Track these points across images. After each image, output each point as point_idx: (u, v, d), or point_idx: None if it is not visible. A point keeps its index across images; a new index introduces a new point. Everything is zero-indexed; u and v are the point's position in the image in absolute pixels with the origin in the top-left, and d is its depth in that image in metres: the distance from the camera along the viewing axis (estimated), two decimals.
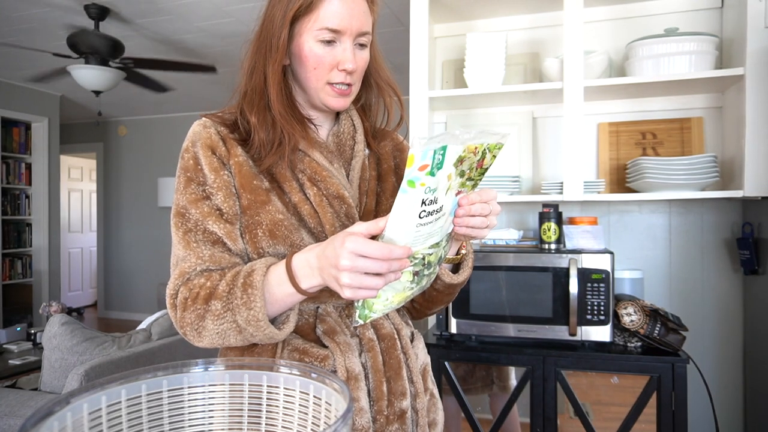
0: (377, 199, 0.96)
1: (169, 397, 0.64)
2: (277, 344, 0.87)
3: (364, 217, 0.92)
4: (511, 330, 1.83)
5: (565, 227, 1.94)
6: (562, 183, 1.97)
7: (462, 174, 0.72)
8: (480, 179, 0.78)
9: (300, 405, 0.64)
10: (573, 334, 1.76)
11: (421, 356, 0.99)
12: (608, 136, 2.18)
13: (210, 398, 0.66)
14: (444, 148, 0.64)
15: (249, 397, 0.66)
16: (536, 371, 1.76)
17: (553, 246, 1.92)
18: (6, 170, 5.20)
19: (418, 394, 0.92)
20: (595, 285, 1.74)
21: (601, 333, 1.74)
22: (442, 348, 1.84)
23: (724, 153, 2.04)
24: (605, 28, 2.18)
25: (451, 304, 1.89)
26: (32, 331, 3.41)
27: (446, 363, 1.85)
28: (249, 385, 0.66)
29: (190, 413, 0.66)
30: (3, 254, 5.15)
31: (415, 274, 0.77)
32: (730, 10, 1.97)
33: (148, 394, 0.63)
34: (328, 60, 0.86)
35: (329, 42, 0.85)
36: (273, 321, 0.82)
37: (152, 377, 0.63)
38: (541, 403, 1.76)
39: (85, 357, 2.17)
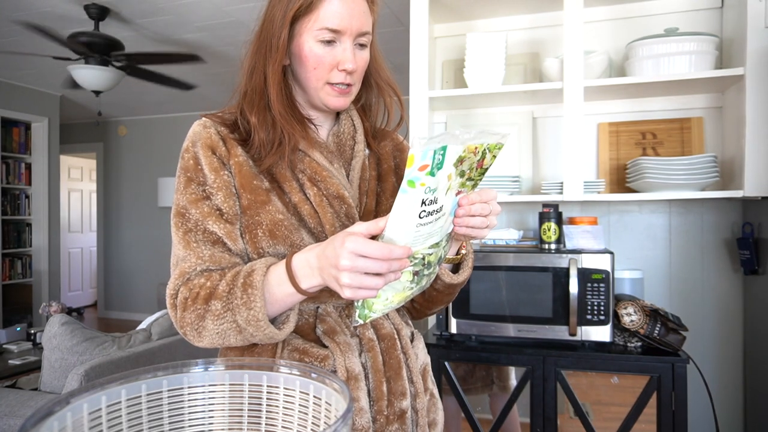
0: (377, 199, 0.96)
1: (169, 397, 0.64)
2: (277, 344, 0.87)
3: (364, 217, 0.92)
4: (511, 330, 1.83)
5: (565, 227, 1.94)
6: (562, 183, 1.97)
7: (462, 174, 0.72)
8: (480, 179, 0.78)
9: (300, 405, 0.64)
10: (573, 334, 1.76)
11: (421, 356, 0.99)
12: (608, 136, 2.18)
13: (210, 398, 0.66)
14: (444, 148, 0.64)
15: (249, 397, 0.66)
16: (536, 371, 1.76)
17: (553, 246, 1.92)
18: (6, 170, 5.20)
19: (418, 394, 0.92)
20: (595, 285, 1.74)
21: (601, 333, 1.74)
22: (442, 348, 1.84)
23: (724, 153, 2.04)
24: (605, 28, 2.18)
25: (451, 304, 1.89)
26: (32, 331, 3.41)
27: (446, 363, 1.85)
28: (249, 385, 0.66)
29: (190, 413, 0.66)
30: (3, 254, 5.15)
31: (415, 274, 0.77)
32: (730, 10, 1.97)
33: (148, 394, 0.63)
34: (328, 60, 0.86)
35: (329, 42, 0.85)
36: (273, 321, 0.82)
37: (152, 377, 0.63)
38: (541, 403, 1.76)
39: (85, 357, 2.17)
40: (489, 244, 2.01)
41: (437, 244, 0.76)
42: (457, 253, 0.93)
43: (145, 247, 6.57)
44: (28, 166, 5.42)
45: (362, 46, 0.89)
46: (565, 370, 1.75)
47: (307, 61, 0.86)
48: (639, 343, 1.78)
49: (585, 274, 1.75)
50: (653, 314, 1.74)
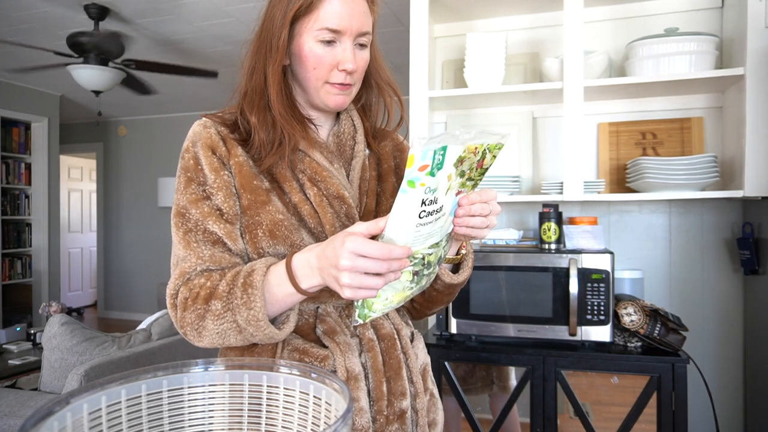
0: (377, 199, 0.96)
1: (169, 397, 0.64)
2: (277, 344, 0.87)
3: (364, 217, 0.92)
4: (511, 330, 1.83)
5: (565, 227, 1.94)
6: (562, 183, 1.97)
7: (462, 174, 0.72)
8: (480, 179, 0.78)
9: (300, 405, 0.64)
10: (573, 334, 1.76)
11: (421, 356, 0.99)
12: (608, 136, 2.18)
13: (210, 398, 0.66)
14: (444, 149, 0.64)
15: (249, 397, 0.66)
16: (536, 371, 1.76)
17: (553, 246, 1.92)
18: (6, 170, 5.20)
19: (417, 394, 0.92)
20: (595, 285, 1.74)
21: (601, 333, 1.74)
22: (442, 348, 1.84)
23: (724, 153, 2.04)
24: (605, 28, 2.18)
25: (451, 304, 1.89)
26: (32, 331, 3.41)
27: (446, 363, 1.85)
28: (249, 385, 0.66)
29: (190, 413, 0.66)
30: (3, 254, 5.15)
31: (415, 273, 0.77)
32: (730, 10, 1.97)
33: (148, 394, 0.63)
34: (328, 60, 0.86)
35: (329, 42, 0.85)
36: (273, 321, 0.82)
37: (152, 377, 0.63)
38: (541, 403, 1.76)
39: (85, 357, 2.17)
40: (489, 244, 2.01)
41: (437, 244, 0.76)
42: (457, 253, 0.93)
43: (145, 247, 6.57)
44: (28, 166, 5.42)
45: (362, 46, 0.89)
46: (565, 370, 1.75)
47: (307, 61, 0.86)
48: (639, 343, 1.78)
49: (585, 274, 1.75)
50: (653, 314, 1.74)
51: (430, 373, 1.01)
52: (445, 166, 0.66)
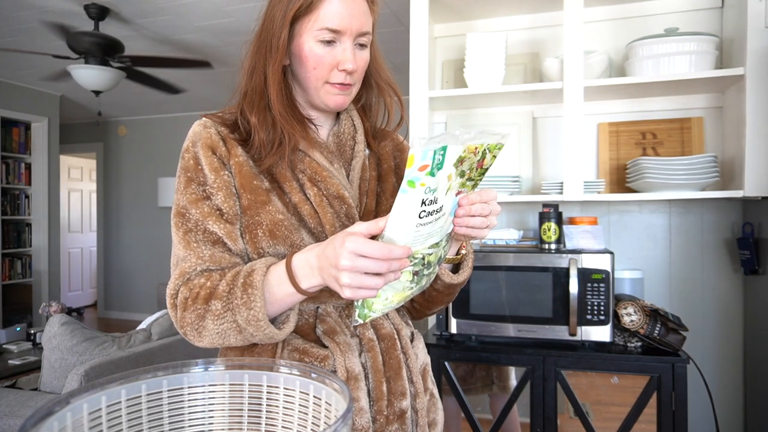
0: (377, 200, 0.96)
1: (169, 397, 0.64)
2: (277, 344, 0.87)
3: (364, 217, 0.92)
4: (511, 330, 1.83)
5: (565, 227, 1.94)
6: (562, 183, 1.97)
7: (462, 174, 0.72)
8: (480, 179, 0.78)
9: (300, 405, 0.64)
10: (573, 334, 1.76)
11: (421, 356, 0.99)
12: (608, 136, 2.18)
13: (210, 398, 0.66)
14: (444, 149, 0.64)
15: (249, 397, 0.66)
16: (536, 371, 1.76)
17: (553, 246, 1.92)
18: (6, 170, 5.20)
19: (417, 394, 0.92)
20: (595, 285, 1.74)
21: (601, 333, 1.74)
22: (442, 348, 1.84)
23: (724, 153, 2.04)
24: (605, 28, 2.18)
25: (451, 304, 1.89)
26: (32, 331, 3.41)
27: (446, 363, 1.85)
28: (249, 385, 0.66)
29: (190, 413, 0.66)
30: (3, 254, 5.15)
31: (415, 273, 0.77)
32: (730, 10, 1.97)
33: (148, 394, 0.63)
34: (328, 60, 0.86)
35: (329, 42, 0.85)
36: (273, 321, 0.82)
37: (152, 377, 0.63)
38: (541, 403, 1.76)
39: (85, 357, 2.17)
40: (489, 244, 2.01)
41: (437, 244, 0.76)
42: (457, 253, 0.93)
43: (145, 247, 6.57)
44: (28, 166, 5.42)
45: (362, 46, 0.89)
46: (565, 370, 1.75)
47: (307, 61, 0.86)
48: (639, 343, 1.78)
49: (585, 274, 1.75)
50: (653, 314, 1.74)
51: (430, 373, 1.01)
52: (445, 166, 0.66)
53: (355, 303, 0.78)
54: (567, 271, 1.76)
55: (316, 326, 0.89)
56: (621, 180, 2.13)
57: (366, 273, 0.68)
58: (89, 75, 3.48)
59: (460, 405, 1.87)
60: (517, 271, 1.83)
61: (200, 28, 3.70)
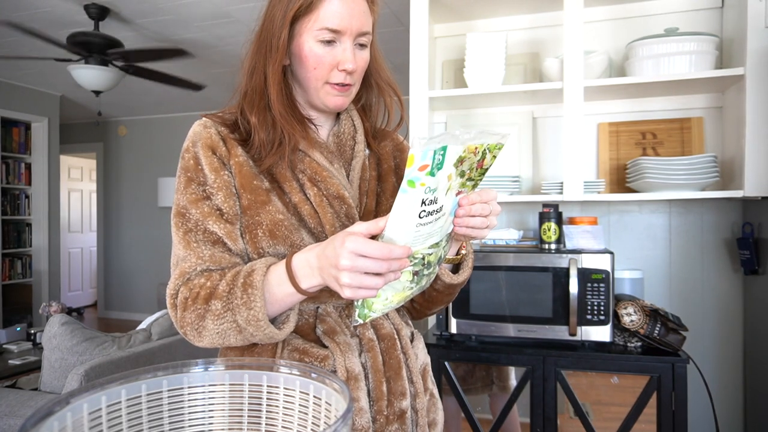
0: (377, 200, 0.96)
1: (169, 397, 0.64)
2: (277, 344, 0.87)
3: (364, 217, 0.92)
4: (511, 330, 1.83)
5: (565, 227, 1.94)
6: (562, 183, 1.97)
7: (462, 174, 0.72)
8: (480, 179, 0.78)
9: (300, 405, 0.64)
10: (573, 334, 1.76)
11: (420, 356, 0.99)
12: (608, 136, 2.18)
13: (210, 398, 0.66)
14: (444, 149, 0.64)
15: (249, 397, 0.66)
16: (536, 371, 1.76)
17: (553, 246, 1.92)
18: (6, 170, 5.20)
19: (417, 394, 0.92)
20: (595, 285, 1.74)
21: (601, 333, 1.74)
22: (442, 348, 1.84)
23: (724, 153, 2.04)
24: (605, 28, 2.18)
25: (451, 304, 1.89)
26: (32, 331, 3.41)
27: (446, 363, 1.85)
28: (249, 385, 0.66)
29: (190, 413, 0.66)
30: (3, 254, 5.15)
31: (415, 273, 0.77)
32: (730, 10, 1.97)
33: (148, 394, 0.63)
34: (328, 60, 0.86)
35: (329, 42, 0.85)
36: (273, 321, 0.82)
37: (152, 377, 0.63)
38: (541, 403, 1.76)
39: (85, 357, 2.17)
40: (489, 244, 2.01)
41: (437, 244, 0.76)
42: (457, 254, 0.93)
43: (145, 247, 6.57)
44: (28, 166, 5.42)
45: (362, 46, 0.89)
46: (565, 370, 1.75)
47: (307, 61, 0.86)
48: (639, 343, 1.78)
49: (585, 274, 1.75)
50: (653, 314, 1.74)
51: (430, 373, 1.01)
52: (445, 166, 0.66)
53: (355, 303, 0.78)
54: (567, 271, 1.76)
55: (316, 326, 0.89)
56: (621, 180, 2.13)
57: (366, 273, 0.68)
58: (89, 75, 3.48)
59: (460, 405, 1.87)
60: (517, 271, 1.83)
61: (200, 28, 3.70)
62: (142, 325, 2.66)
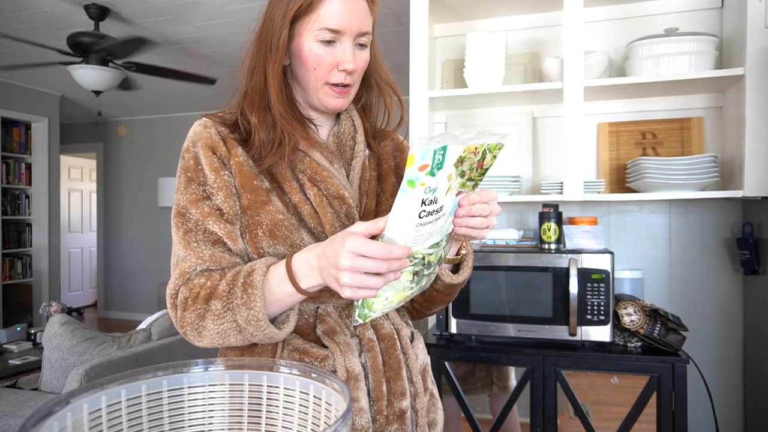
0: (377, 200, 0.96)
1: (169, 397, 0.64)
2: (277, 344, 0.87)
3: (364, 217, 0.92)
4: (511, 330, 1.83)
5: (565, 227, 1.94)
6: (562, 183, 1.97)
7: (462, 174, 0.72)
8: (480, 179, 0.78)
9: (300, 405, 0.65)
10: (573, 334, 1.76)
11: (420, 356, 0.99)
12: (608, 136, 2.18)
13: (210, 398, 0.66)
14: (444, 149, 0.64)
15: (249, 397, 0.66)
16: (536, 371, 1.76)
17: (553, 246, 1.92)
18: (6, 170, 5.20)
19: (417, 394, 0.92)
20: (595, 285, 1.74)
21: (601, 333, 1.74)
22: (442, 348, 1.84)
23: (724, 153, 2.04)
24: (605, 28, 2.18)
25: (451, 304, 1.89)
26: (32, 331, 3.41)
27: (446, 363, 1.85)
28: (249, 385, 0.66)
29: (190, 413, 0.66)
30: (3, 254, 5.15)
31: (415, 273, 0.77)
32: (730, 10, 1.97)
33: (148, 394, 0.63)
34: (328, 60, 0.86)
35: (329, 42, 0.85)
36: (273, 321, 0.82)
37: (152, 377, 0.63)
38: (541, 403, 1.76)
39: (85, 357, 2.17)
40: (489, 244, 2.01)
41: (437, 244, 0.76)
42: (457, 254, 0.93)
43: (145, 247, 6.58)
44: (28, 166, 5.42)
45: (362, 46, 0.89)
46: (565, 370, 1.75)
47: (307, 61, 0.86)
48: (639, 343, 1.78)
49: (585, 274, 1.75)
50: (653, 314, 1.74)
51: (430, 373, 1.01)
52: (445, 166, 0.66)
53: (355, 303, 0.78)
54: (567, 271, 1.76)
55: (316, 326, 0.89)
56: (621, 180, 2.13)
57: (366, 273, 0.68)
58: (89, 75, 3.48)
59: (460, 405, 1.87)
60: (517, 271, 1.83)
61: (200, 28, 3.70)
62: (142, 325, 2.66)
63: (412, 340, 0.98)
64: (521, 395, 1.81)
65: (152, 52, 4.07)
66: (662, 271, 2.14)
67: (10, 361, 3.01)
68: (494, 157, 0.76)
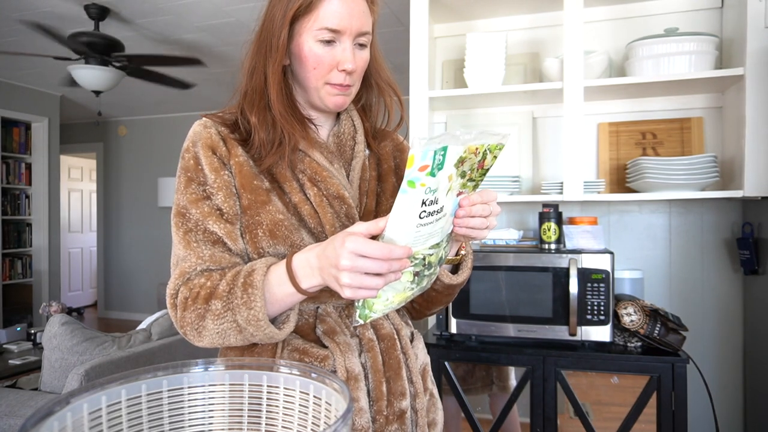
0: (377, 200, 0.96)
1: (169, 397, 0.64)
2: (277, 344, 0.87)
3: (364, 217, 0.92)
4: (511, 330, 1.83)
5: (565, 227, 1.94)
6: (562, 183, 1.97)
7: (463, 175, 0.72)
8: (481, 180, 0.78)
9: (300, 405, 0.65)
10: (573, 334, 1.76)
11: (420, 356, 0.99)
12: (608, 136, 2.18)
13: (210, 398, 0.66)
14: (444, 149, 0.64)
15: (249, 397, 0.66)
16: (536, 371, 1.76)
17: (553, 246, 1.92)
18: (6, 170, 5.20)
19: (417, 394, 0.92)
20: (595, 285, 1.74)
21: (601, 333, 1.74)
22: (442, 348, 1.84)
23: (724, 153, 2.04)
24: (605, 28, 2.18)
25: (451, 304, 1.89)
26: (32, 331, 3.41)
27: (446, 363, 1.85)
28: (249, 385, 0.66)
29: (190, 413, 0.66)
30: (3, 254, 5.15)
31: (416, 274, 0.77)
32: (730, 10, 1.97)
33: (148, 394, 0.63)
34: (327, 60, 0.86)
35: (329, 42, 0.85)
36: (273, 321, 0.82)
37: (152, 377, 0.63)
38: (541, 403, 1.76)
39: (85, 357, 2.17)
40: (489, 244, 2.01)
41: (438, 244, 0.76)
42: (457, 254, 0.93)
43: (145, 247, 6.58)
44: (28, 166, 5.42)
45: (362, 46, 0.89)
46: (565, 370, 1.75)
47: (307, 61, 0.86)
48: (639, 343, 1.78)
49: (585, 274, 1.75)
50: (653, 314, 1.74)
51: (430, 373, 1.01)
52: (446, 167, 0.66)
53: (356, 304, 0.78)
54: (567, 271, 1.76)
55: (316, 326, 0.89)
56: (621, 180, 2.13)
57: (366, 273, 0.68)
58: (89, 75, 3.48)
59: (460, 405, 1.87)
60: (517, 271, 1.83)
61: (200, 28, 3.70)
62: (142, 325, 2.66)
63: (412, 340, 0.98)
64: (521, 395, 1.81)
65: (152, 51, 4.08)
66: (662, 271, 2.14)
67: (10, 361, 3.01)
68: (495, 157, 0.76)
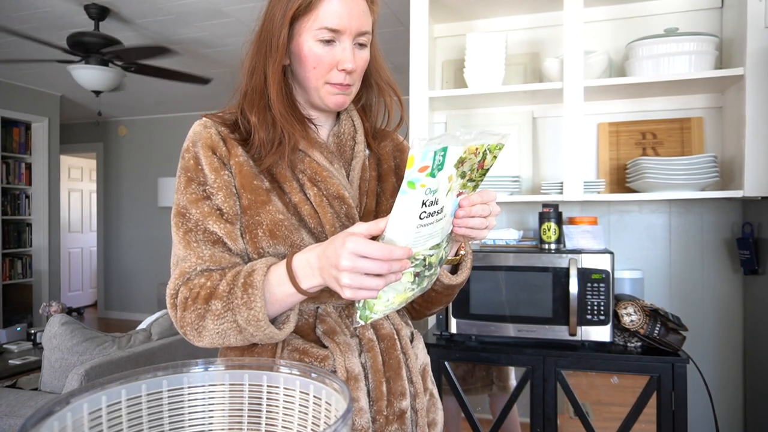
0: (377, 200, 0.96)
1: (169, 397, 0.64)
2: (277, 344, 0.87)
3: (364, 217, 0.92)
4: (511, 330, 1.83)
5: (565, 227, 1.94)
6: (562, 183, 1.97)
7: (463, 175, 0.72)
8: (481, 180, 0.78)
9: (300, 405, 0.65)
10: (573, 334, 1.76)
11: (420, 356, 0.99)
12: (608, 136, 2.18)
13: (210, 398, 0.66)
14: (444, 150, 0.63)
15: (249, 397, 0.66)
16: (536, 371, 1.76)
17: (553, 246, 1.92)
18: (6, 170, 5.20)
19: (417, 394, 0.92)
20: (595, 285, 1.74)
21: (601, 333, 1.74)
22: (442, 348, 1.84)
23: (724, 153, 2.04)
24: (605, 28, 2.18)
25: (451, 304, 1.89)
26: (32, 331, 3.41)
27: (446, 363, 1.85)
28: (249, 385, 0.66)
29: (190, 413, 0.66)
30: (3, 254, 5.15)
31: (416, 275, 0.77)
32: (730, 10, 1.97)
33: (148, 394, 0.63)
34: (327, 60, 0.86)
35: (329, 42, 0.85)
36: (273, 321, 0.82)
37: (152, 377, 0.63)
38: (541, 403, 1.76)
39: (85, 357, 2.17)
40: (489, 244, 2.01)
41: (438, 245, 0.76)
42: (456, 254, 0.93)
43: (145, 247, 6.58)
44: (29, 166, 5.42)
45: (362, 45, 0.89)
46: (565, 370, 1.75)
47: (307, 60, 0.86)
48: (639, 343, 1.78)
49: (585, 274, 1.75)
50: (653, 314, 1.74)
51: (430, 373, 1.01)
52: (446, 167, 0.66)
53: (356, 305, 0.78)
54: (567, 271, 1.76)
55: (316, 326, 0.89)
56: (621, 180, 2.13)
57: (366, 274, 0.68)
58: (89, 75, 3.48)
59: (460, 405, 1.87)
60: (517, 271, 1.83)
61: (200, 28, 3.70)
62: (142, 325, 2.66)
63: (411, 340, 0.98)
64: (521, 395, 1.81)
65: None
66: (662, 271, 2.15)
67: (10, 361, 3.01)
68: (495, 157, 0.76)
